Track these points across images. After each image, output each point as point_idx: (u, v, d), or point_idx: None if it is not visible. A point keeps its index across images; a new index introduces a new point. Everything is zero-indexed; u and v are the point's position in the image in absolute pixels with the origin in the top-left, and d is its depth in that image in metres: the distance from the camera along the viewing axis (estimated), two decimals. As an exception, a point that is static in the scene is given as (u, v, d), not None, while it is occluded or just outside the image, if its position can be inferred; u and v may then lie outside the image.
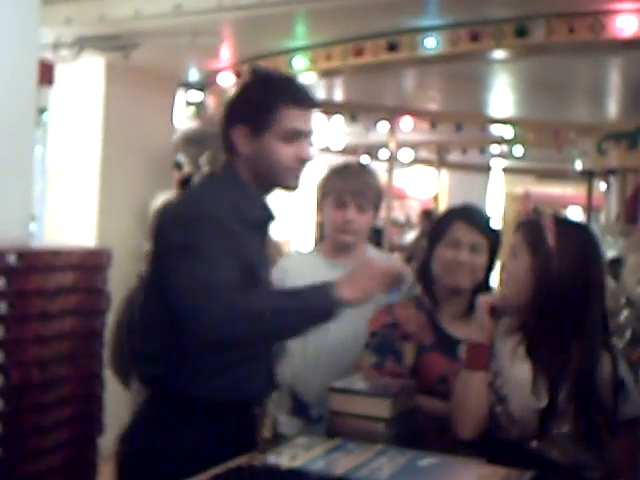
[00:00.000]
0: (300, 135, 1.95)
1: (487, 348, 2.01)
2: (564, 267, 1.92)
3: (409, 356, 2.22)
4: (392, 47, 4.30)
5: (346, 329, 2.55)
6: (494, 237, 2.30)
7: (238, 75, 5.24)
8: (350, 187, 2.58)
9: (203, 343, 1.83)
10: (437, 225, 2.38)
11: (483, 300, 2.05)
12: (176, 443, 1.90)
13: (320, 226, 10.48)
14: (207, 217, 1.85)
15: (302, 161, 1.96)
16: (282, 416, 2.66)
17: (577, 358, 1.92)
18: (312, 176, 13.66)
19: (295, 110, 1.93)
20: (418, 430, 2.05)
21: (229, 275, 1.80)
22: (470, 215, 2.32)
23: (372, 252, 2.76)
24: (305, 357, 2.59)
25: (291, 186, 2.01)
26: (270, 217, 2.05)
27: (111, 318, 2.66)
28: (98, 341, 2.52)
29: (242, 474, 1.67)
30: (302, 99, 1.96)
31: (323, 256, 2.68)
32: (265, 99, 1.93)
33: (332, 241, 2.67)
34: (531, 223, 2.10)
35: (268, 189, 2.03)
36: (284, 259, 2.80)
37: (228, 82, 5.35)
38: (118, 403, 2.68)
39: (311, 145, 1.99)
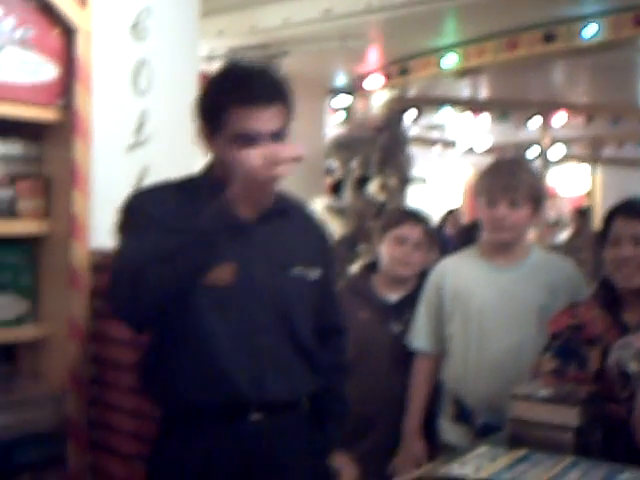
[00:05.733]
0: (255, 138, 1.67)
1: None
2: None
3: (594, 362, 2.08)
4: (548, 38, 4.12)
5: (511, 335, 2.45)
6: None
7: (387, 77, 5.20)
8: (500, 183, 2.48)
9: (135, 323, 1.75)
10: (602, 228, 2.23)
11: None
12: (165, 457, 1.80)
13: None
14: (128, 208, 1.78)
15: None
16: (445, 423, 2.58)
17: None
18: (457, 177, 13.47)
19: (248, 109, 1.67)
20: (607, 440, 1.92)
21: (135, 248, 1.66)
22: (629, 207, 2.16)
23: (537, 252, 2.63)
24: (467, 362, 2.50)
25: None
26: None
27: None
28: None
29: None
30: (255, 96, 1.67)
31: (482, 256, 2.58)
32: (215, 99, 1.72)
33: (488, 241, 2.57)
34: None
35: None
36: (443, 260, 2.72)
37: (376, 85, 5.32)
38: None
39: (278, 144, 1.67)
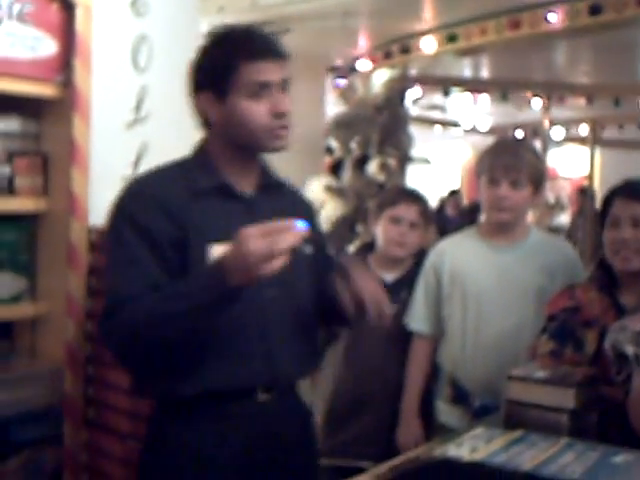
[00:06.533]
0: (268, 87, 1.71)
1: None
2: None
3: (591, 344, 2.09)
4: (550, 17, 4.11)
5: (509, 317, 2.45)
6: None
7: (387, 55, 5.18)
8: (502, 162, 2.47)
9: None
10: (601, 209, 2.22)
11: None
12: (171, 447, 1.76)
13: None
14: (120, 210, 1.74)
15: (277, 115, 1.71)
16: (442, 404, 2.58)
17: None
18: (456, 158, 13.45)
19: (257, 63, 1.70)
20: (602, 423, 1.92)
21: (132, 281, 1.66)
22: (628, 188, 2.15)
23: (536, 233, 2.63)
24: (464, 344, 2.50)
25: (275, 147, 1.75)
26: (222, 187, 1.76)
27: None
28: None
29: (422, 466, 1.60)
30: (263, 50, 1.72)
31: (481, 237, 2.58)
32: (222, 58, 1.73)
33: (488, 221, 2.57)
34: None
35: (251, 155, 1.80)
36: (441, 241, 2.72)
37: (377, 64, 5.30)
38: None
39: (286, 96, 1.74)
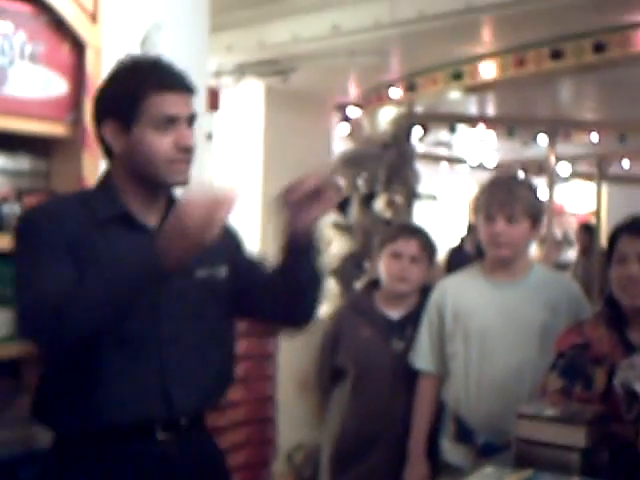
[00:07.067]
0: (175, 121, 1.69)
1: None
2: None
3: (600, 382, 2.07)
4: (556, 55, 4.16)
5: (513, 354, 2.45)
6: None
7: (394, 93, 5.22)
8: (497, 199, 2.48)
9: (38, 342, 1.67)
10: (607, 246, 2.23)
11: None
12: None
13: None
14: (26, 222, 1.71)
15: (182, 149, 1.69)
16: (447, 443, 2.56)
17: None
18: (463, 194, 13.46)
19: (166, 95, 1.68)
20: (613, 461, 1.90)
21: (50, 272, 1.60)
22: (634, 224, 2.16)
23: (538, 269, 2.62)
24: (468, 382, 2.49)
25: (175, 181, 1.72)
26: (122, 216, 1.73)
27: (318, 334, 2.65)
28: (271, 364, 2.51)
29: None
30: (172, 83, 1.71)
31: (483, 274, 2.58)
32: (131, 87, 1.70)
33: (488, 258, 2.57)
34: None
35: (153, 189, 1.75)
36: (444, 279, 2.72)
37: (382, 101, 5.35)
38: (287, 425, 2.67)
39: (191, 131, 1.72)
